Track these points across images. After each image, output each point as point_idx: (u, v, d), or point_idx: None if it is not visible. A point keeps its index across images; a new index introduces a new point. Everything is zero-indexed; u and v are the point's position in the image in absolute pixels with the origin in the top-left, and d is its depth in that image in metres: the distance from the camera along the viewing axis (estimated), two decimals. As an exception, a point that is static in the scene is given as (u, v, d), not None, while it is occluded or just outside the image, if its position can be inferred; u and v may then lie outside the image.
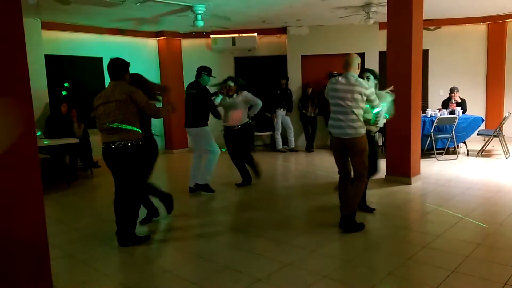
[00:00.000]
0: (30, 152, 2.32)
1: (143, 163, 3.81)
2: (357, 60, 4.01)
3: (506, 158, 7.20)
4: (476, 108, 9.13)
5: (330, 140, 4.14)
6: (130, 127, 3.62)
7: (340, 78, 3.98)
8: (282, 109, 8.96)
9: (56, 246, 3.69)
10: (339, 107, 3.92)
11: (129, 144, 3.63)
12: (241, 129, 5.67)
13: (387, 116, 4.36)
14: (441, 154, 7.46)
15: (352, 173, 4.06)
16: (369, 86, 3.94)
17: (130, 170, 3.70)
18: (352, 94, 3.86)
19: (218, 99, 5.67)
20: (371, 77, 4.33)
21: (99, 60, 8.38)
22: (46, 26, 7.44)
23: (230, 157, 5.88)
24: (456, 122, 7.17)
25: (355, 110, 3.88)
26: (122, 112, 3.58)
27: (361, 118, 3.91)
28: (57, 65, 7.82)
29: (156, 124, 9.44)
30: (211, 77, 5.51)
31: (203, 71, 5.45)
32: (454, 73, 9.45)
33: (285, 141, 9.14)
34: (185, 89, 5.69)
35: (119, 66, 3.73)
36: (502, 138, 7.40)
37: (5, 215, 2.23)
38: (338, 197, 4.14)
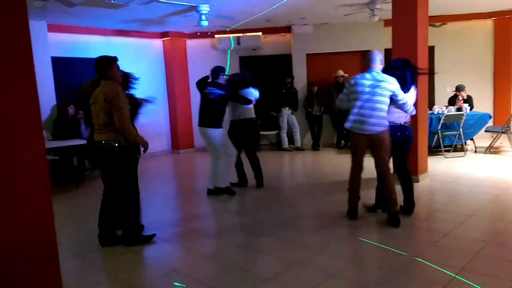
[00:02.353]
0: (38, 153, 2.34)
1: (131, 163, 3.76)
2: (379, 56, 4.06)
3: (515, 155, 7.13)
4: (484, 104, 9.05)
5: (352, 135, 4.08)
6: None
7: (365, 74, 4.02)
8: (287, 108, 8.95)
9: (65, 247, 3.72)
10: (367, 103, 3.95)
11: (116, 144, 3.61)
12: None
13: None
14: (448, 151, 7.41)
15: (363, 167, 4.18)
16: (394, 82, 3.99)
17: (116, 170, 3.70)
18: (380, 89, 3.92)
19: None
20: None
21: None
22: (52, 28, 7.50)
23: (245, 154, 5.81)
24: (464, 119, 7.12)
25: (382, 106, 3.95)
26: (106, 114, 3.56)
27: (386, 114, 4.01)
28: (64, 67, 7.88)
29: (162, 124, 9.56)
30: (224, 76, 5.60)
31: (221, 72, 5.48)
32: (460, 70, 9.38)
33: (291, 140, 9.14)
34: (197, 89, 5.54)
35: (98, 64, 3.69)
36: (510, 135, 7.33)
37: (15, 216, 2.26)
38: (351, 189, 4.22)
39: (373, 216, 4.31)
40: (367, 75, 4.00)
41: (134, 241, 3.79)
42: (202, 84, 5.46)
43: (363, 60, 4.10)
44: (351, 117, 4.04)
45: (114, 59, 3.73)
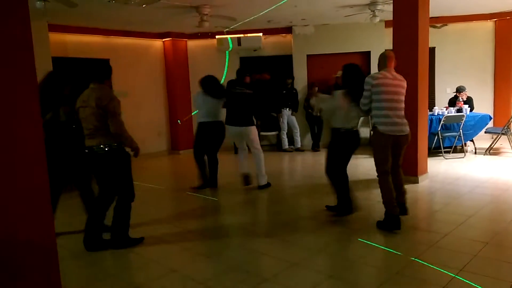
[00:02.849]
0: (38, 154, 2.35)
1: (125, 166, 3.70)
2: (393, 56, 4.04)
3: (515, 156, 7.13)
4: (484, 105, 9.06)
5: (379, 138, 3.87)
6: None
7: (386, 74, 3.88)
8: (288, 108, 8.95)
9: (64, 247, 3.72)
10: (394, 103, 3.85)
11: (106, 149, 3.56)
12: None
13: None
14: (448, 152, 7.41)
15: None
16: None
17: (111, 174, 3.65)
18: (401, 89, 3.90)
19: None
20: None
21: (106, 62, 8.44)
22: (53, 28, 7.51)
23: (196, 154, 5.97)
24: (464, 120, 7.12)
25: (403, 105, 3.94)
26: (97, 119, 3.51)
27: None
28: (64, 67, 7.88)
29: (162, 124, 9.56)
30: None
31: (246, 73, 5.74)
32: (461, 71, 9.38)
33: (291, 140, 9.14)
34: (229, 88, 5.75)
35: (103, 68, 3.63)
36: (510, 136, 7.33)
37: (14, 216, 2.26)
38: (390, 197, 3.92)
39: (372, 218, 4.30)
40: (388, 75, 3.87)
41: (122, 244, 3.75)
42: (231, 85, 5.72)
43: (379, 59, 3.99)
44: (382, 120, 3.84)
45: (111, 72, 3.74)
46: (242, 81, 5.69)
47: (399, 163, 4.08)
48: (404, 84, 3.97)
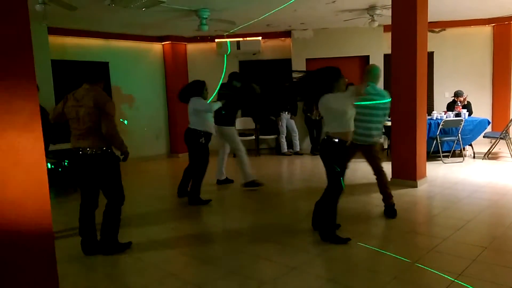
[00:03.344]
0: (37, 156, 2.34)
1: (115, 169, 3.64)
2: (377, 70, 4.39)
3: (513, 161, 7.14)
4: (482, 110, 9.08)
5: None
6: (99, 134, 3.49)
7: (370, 88, 4.21)
8: (286, 112, 8.97)
9: (62, 250, 3.71)
10: (359, 116, 4.12)
11: (99, 152, 3.51)
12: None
13: None
14: (447, 156, 7.42)
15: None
16: (387, 95, 4.33)
17: (101, 177, 3.60)
18: (373, 103, 4.18)
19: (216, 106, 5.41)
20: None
21: (105, 65, 8.45)
22: (52, 31, 7.52)
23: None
24: (462, 124, 7.14)
25: (381, 119, 4.27)
26: (91, 119, 3.46)
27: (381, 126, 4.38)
28: (64, 70, 7.88)
29: (161, 127, 9.56)
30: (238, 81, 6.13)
31: (234, 77, 6.11)
32: (459, 75, 9.41)
33: (290, 144, 9.14)
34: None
35: (99, 71, 3.66)
36: (509, 141, 7.35)
37: (13, 219, 2.26)
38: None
39: (372, 221, 4.30)
40: (370, 89, 4.19)
41: (111, 249, 3.70)
42: (221, 87, 6.10)
43: (364, 72, 4.40)
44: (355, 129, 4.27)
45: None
46: (231, 84, 6.02)
47: (379, 168, 4.37)
48: (378, 98, 4.21)
